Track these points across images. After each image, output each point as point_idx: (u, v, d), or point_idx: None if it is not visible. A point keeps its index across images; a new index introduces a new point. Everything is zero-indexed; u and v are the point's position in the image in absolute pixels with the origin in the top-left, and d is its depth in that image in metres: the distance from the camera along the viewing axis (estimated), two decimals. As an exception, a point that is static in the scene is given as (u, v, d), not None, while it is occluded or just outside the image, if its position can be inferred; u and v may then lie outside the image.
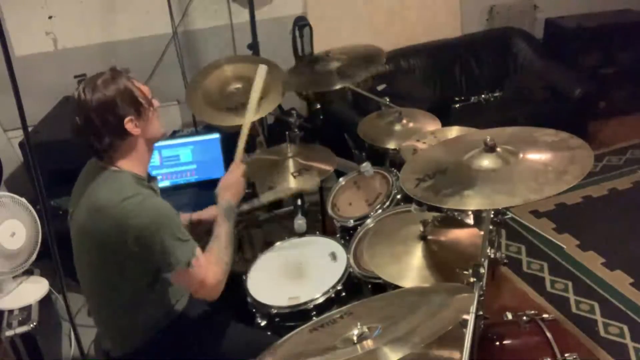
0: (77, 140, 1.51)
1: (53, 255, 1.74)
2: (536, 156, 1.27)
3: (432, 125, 2.26)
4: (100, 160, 1.54)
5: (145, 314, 1.60)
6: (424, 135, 2.14)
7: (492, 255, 1.67)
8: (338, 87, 2.07)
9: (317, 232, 2.17)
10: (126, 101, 1.48)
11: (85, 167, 1.63)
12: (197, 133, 3.10)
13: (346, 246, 1.96)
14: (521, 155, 1.27)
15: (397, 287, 1.49)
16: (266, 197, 1.97)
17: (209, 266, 1.53)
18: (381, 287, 1.73)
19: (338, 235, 2.11)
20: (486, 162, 1.29)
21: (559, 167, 1.21)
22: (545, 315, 1.65)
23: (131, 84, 1.51)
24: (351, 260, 1.88)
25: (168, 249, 1.45)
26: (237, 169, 1.80)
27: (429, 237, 1.59)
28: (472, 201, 1.21)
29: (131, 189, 1.48)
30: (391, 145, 2.20)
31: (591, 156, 1.22)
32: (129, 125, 1.49)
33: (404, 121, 2.28)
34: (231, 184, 1.76)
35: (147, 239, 1.44)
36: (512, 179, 1.23)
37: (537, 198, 1.15)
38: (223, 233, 1.64)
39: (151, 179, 1.67)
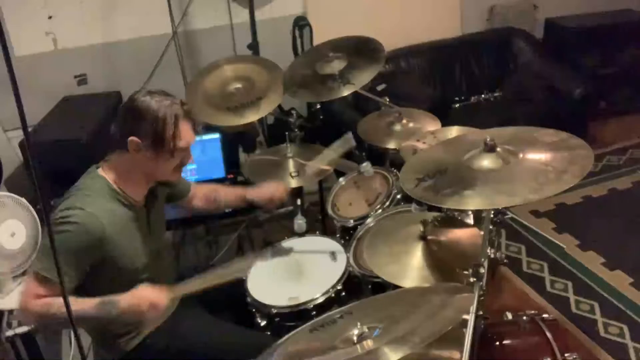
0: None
1: (53, 255, 1.73)
2: (536, 156, 1.27)
3: (432, 125, 2.26)
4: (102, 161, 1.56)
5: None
6: (424, 135, 2.14)
7: (492, 255, 1.67)
8: (344, 94, 2.07)
9: (317, 232, 2.17)
10: (150, 128, 1.46)
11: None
12: (197, 133, 3.10)
13: (346, 246, 1.96)
14: (521, 155, 1.27)
15: (397, 287, 1.49)
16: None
17: (37, 299, 1.44)
18: (381, 287, 1.73)
19: (338, 235, 2.11)
20: (486, 162, 1.29)
21: (558, 167, 1.20)
22: (545, 315, 1.65)
23: (173, 122, 1.47)
24: (351, 260, 1.88)
25: (43, 250, 1.50)
26: (162, 293, 1.51)
27: (429, 237, 1.59)
28: (472, 201, 1.21)
29: (84, 196, 1.48)
30: (391, 145, 2.20)
31: (591, 156, 1.22)
32: (132, 144, 1.48)
33: (404, 121, 2.28)
34: (141, 297, 1.47)
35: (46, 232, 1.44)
36: (512, 179, 1.22)
37: (537, 198, 1.15)
38: (82, 303, 1.43)
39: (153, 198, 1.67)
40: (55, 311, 1.41)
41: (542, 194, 1.15)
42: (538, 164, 1.25)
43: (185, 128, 1.52)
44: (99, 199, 1.50)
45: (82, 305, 1.43)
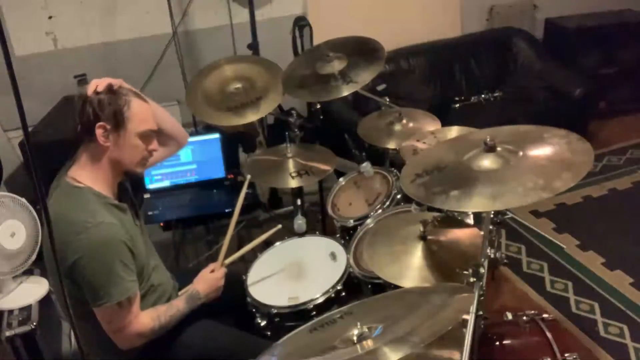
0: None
1: (53, 255, 1.73)
2: (532, 159, 1.27)
3: (432, 125, 2.26)
4: (67, 168, 1.55)
5: None
6: (424, 135, 2.14)
7: (492, 255, 1.67)
8: (345, 94, 2.06)
9: (317, 232, 2.17)
10: (111, 111, 1.48)
11: (55, 179, 1.61)
12: (197, 133, 3.10)
13: (346, 246, 1.96)
14: (521, 153, 1.27)
15: (397, 287, 1.49)
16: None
17: (141, 316, 1.54)
18: (381, 287, 1.74)
19: (338, 235, 2.11)
20: (486, 162, 1.28)
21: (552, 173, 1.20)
22: (545, 315, 1.65)
23: (127, 101, 1.51)
24: (351, 260, 1.88)
25: (100, 282, 1.44)
26: (219, 271, 1.77)
27: (429, 237, 1.59)
28: (460, 202, 1.21)
29: (85, 211, 1.46)
30: (391, 145, 2.20)
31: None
32: (99, 130, 1.48)
33: (404, 121, 2.29)
34: (209, 281, 1.73)
35: (81, 267, 1.43)
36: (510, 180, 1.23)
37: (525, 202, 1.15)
38: (176, 307, 1.64)
39: (123, 192, 1.67)
40: (163, 320, 1.59)
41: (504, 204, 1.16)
42: (533, 168, 1.24)
43: (138, 106, 1.53)
44: (99, 210, 1.49)
45: (176, 308, 1.63)
